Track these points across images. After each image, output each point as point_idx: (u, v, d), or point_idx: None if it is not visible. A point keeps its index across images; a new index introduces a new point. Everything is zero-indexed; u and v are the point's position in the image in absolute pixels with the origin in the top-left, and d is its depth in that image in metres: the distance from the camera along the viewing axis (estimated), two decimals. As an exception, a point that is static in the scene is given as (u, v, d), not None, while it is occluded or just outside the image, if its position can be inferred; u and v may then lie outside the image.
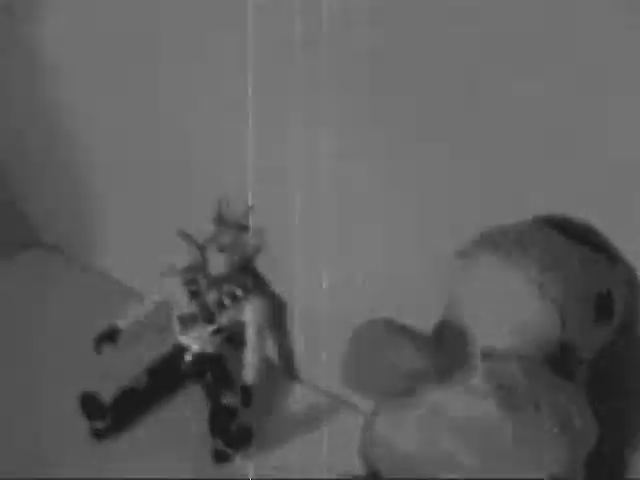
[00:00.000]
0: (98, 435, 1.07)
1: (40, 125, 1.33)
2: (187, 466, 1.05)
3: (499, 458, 0.83)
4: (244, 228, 1.10)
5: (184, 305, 1.12)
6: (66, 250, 1.39)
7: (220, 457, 1.05)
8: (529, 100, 0.83)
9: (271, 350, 1.17)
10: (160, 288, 1.14)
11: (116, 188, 1.29)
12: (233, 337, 1.13)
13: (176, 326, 1.13)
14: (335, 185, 1.01)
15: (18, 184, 1.42)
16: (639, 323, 0.87)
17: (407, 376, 0.83)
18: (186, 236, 1.11)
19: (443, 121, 0.91)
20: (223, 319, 1.11)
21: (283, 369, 1.19)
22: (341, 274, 1.05)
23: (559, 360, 0.81)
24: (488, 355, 0.82)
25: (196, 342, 1.12)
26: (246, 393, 1.08)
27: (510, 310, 0.81)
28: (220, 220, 1.10)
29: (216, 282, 1.11)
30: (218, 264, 1.09)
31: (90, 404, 1.07)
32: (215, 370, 1.12)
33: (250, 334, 1.11)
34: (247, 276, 1.13)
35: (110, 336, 1.13)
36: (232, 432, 1.05)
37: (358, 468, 0.93)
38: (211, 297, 1.11)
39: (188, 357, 1.13)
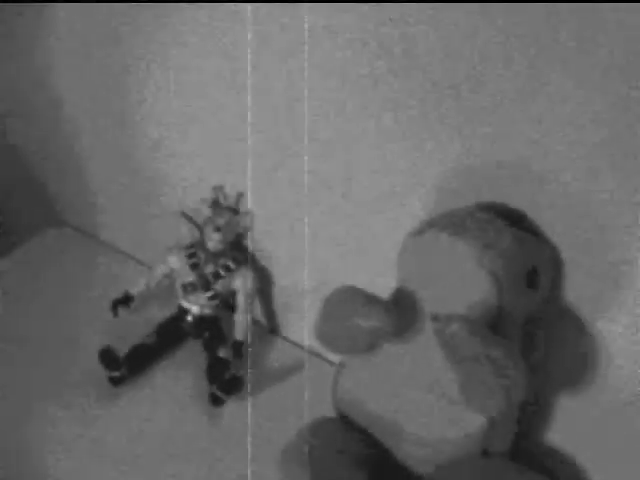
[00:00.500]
0: (114, 382, 1.07)
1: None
2: (187, 409, 1.05)
3: (446, 403, 0.83)
4: (236, 211, 1.09)
5: (186, 275, 1.11)
6: (87, 229, 1.37)
7: (215, 401, 1.04)
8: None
9: (258, 312, 1.17)
10: (166, 261, 1.13)
11: (123, 176, 1.26)
12: (226, 301, 1.12)
13: (179, 292, 1.12)
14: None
15: (42, 168, 1.39)
16: (561, 294, 0.86)
17: (368, 333, 0.83)
18: (188, 217, 1.12)
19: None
20: (218, 287, 1.10)
21: (267, 328, 1.19)
22: (317, 250, 1.04)
23: (496, 322, 0.81)
24: (436, 317, 0.81)
25: (196, 306, 1.11)
26: (237, 347, 1.08)
27: (454, 280, 0.81)
28: (216, 205, 1.09)
29: (212, 256, 1.10)
30: (214, 241, 1.08)
31: (108, 357, 1.06)
32: (212, 329, 1.11)
33: (240, 299, 1.10)
34: (238, 251, 1.12)
35: (124, 301, 1.14)
36: (225, 380, 1.05)
37: (332, 412, 0.93)
38: (208, 269, 1.10)
39: (189, 318, 1.12)
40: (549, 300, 0.86)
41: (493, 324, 0.80)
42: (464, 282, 0.80)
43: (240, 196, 1.08)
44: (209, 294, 1.10)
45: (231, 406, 1.04)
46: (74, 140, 1.27)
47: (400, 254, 0.84)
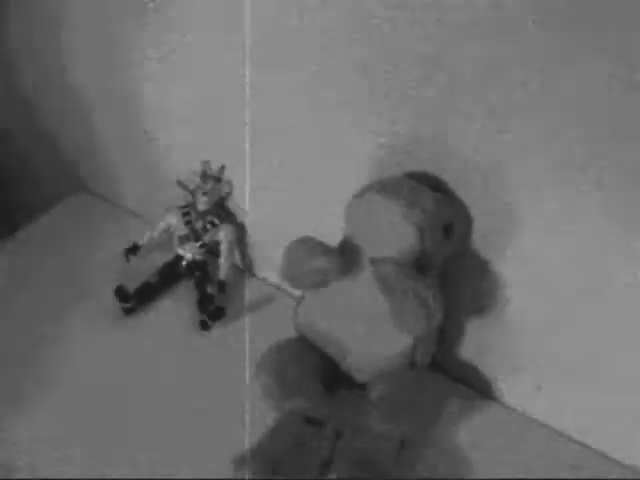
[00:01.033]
0: (126, 312, 1.07)
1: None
2: (183, 332, 1.05)
3: (382, 327, 0.84)
4: (219, 180, 1.08)
5: (181, 229, 1.11)
6: (103, 194, 1.33)
7: (204, 326, 1.05)
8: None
9: (237, 258, 1.16)
10: (165, 218, 1.12)
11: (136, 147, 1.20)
12: (213, 250, 1.11)
13: (176, 242, 1.12)
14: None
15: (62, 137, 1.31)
16: (468, 243, 0.87)
17: (319, 272, 0.84)
18: (183, 185, 1.10)
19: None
20: (206, 238, 1.10)
21: (244, 270, 1.18)
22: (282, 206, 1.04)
23: (420, 264, 0.82)
24: (373, 260, 0.82)
25: (189, 253, 1.11)
26: (221, 285, 1.08)
27: (387, 232, 0.81)
28: (204, 175, 1.08)
29: (201, 214, 1.09)
30: (202, 203, 1.08)
31: (121, 293, 1.07)
32: (201, 271, 1.11)
33: (223, 248, 1.10)
34: (221, 211, 1.11)
35: (134, 250, 1.12)
36: (212, 310, 1.05)
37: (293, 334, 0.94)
38: (198, 224, 1.10)
39: (184, 263, 1.11)
40: (459, 248, 0.87)
41: (418, 265, 0.81)
42: (395, 233, 0.80)
43: (222, 168, 1.07)
44: (199, 244, 1.10)
45: (216, 331, 1.05)
46: (88, 111, 1.20)
47: (345, 211, 0.85)
